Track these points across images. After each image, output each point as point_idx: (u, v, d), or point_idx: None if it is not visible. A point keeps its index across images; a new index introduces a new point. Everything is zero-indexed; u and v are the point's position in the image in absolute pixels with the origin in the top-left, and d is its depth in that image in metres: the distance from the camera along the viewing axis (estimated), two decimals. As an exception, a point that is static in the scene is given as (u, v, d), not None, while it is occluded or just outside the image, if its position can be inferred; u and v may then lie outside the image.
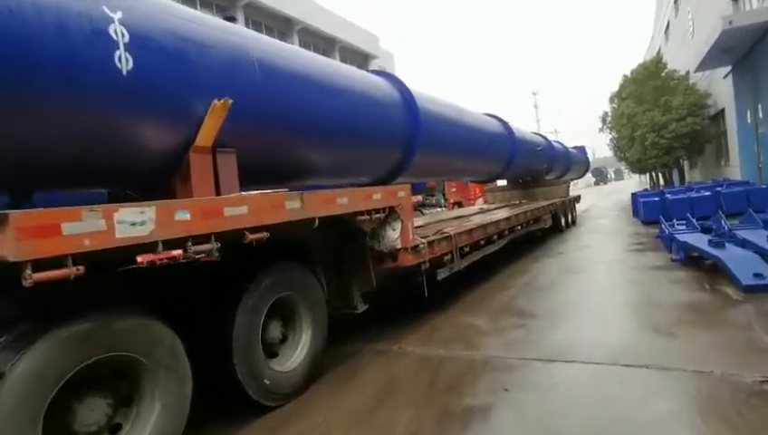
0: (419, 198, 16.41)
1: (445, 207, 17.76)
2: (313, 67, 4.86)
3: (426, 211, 16.14)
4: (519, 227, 8.58)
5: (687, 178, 23.81)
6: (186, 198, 3.51)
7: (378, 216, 4.26)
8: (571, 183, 29.58)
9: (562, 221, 13.08)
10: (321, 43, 26.82)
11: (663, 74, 21.06)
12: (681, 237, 7.00)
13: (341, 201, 3.77)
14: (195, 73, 3.47)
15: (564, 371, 3.59)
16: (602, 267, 7.38)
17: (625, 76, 22.85)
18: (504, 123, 10.99)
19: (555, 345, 4.14)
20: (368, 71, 6.78)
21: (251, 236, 2.89)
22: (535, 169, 13.65)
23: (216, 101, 3.46)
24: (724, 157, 19.25)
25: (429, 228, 6.65)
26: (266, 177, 4.74)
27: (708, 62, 16.92)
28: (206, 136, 3.59)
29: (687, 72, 20.82)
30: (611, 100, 25.34)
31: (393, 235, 4.57)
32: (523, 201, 13.86)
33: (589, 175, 65.08)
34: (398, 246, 4.62)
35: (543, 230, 11.41)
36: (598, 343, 4.09)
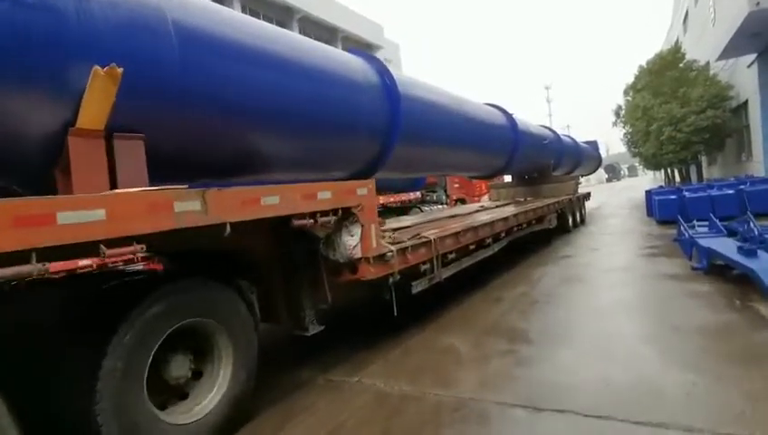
0: (418, 194, 15.61)
1: (446, 204, 16.85)
2: (262, 37, 4.02)
3: (425, 208, 15.28)
4: (517, 229, 7.68)
5: (705, 175, 22.57)
6: (67, 194, 2.73)
7: (326, 219, 3.41)
8: (583, 180, 28.44)
9: (570, 220, 12.12)
10: (323, 32, 25.93)
11: (681, 65, 19.84)
12: (704, 242, 6.06)
13: (269, 201, 2.93)
14: (71, 32, 2.65)
15: (554, 427, 2.73)
16: (612, 276, 6.46)
17: (641, 67, 21.65)
18: (507, 114, 10.07)
19: (547, 384, 3.27)
20: (345, 50, 5.91)
21: (110, 253, 2.07)
22: (542, 163, 12.72)
23: (97, 69, 2.64)
24: (746, 152, 18.04)
25: (410, 231, 5.81)
26: (203, 171, 3.93)
27: (731, 50, 15.75)
28: (91, 116, 2.78)
29: (707, 63, 19.61)
30: (626, 92, 24.15)
31: (351, 242, 3.73)
32: (529, 199, 12.96)
33: (601, 171, 63.61)
34: (358, 256, 3.78)
35: (549, 231, 10.50)
36: (602, 382, 3.22)
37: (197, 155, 3.70)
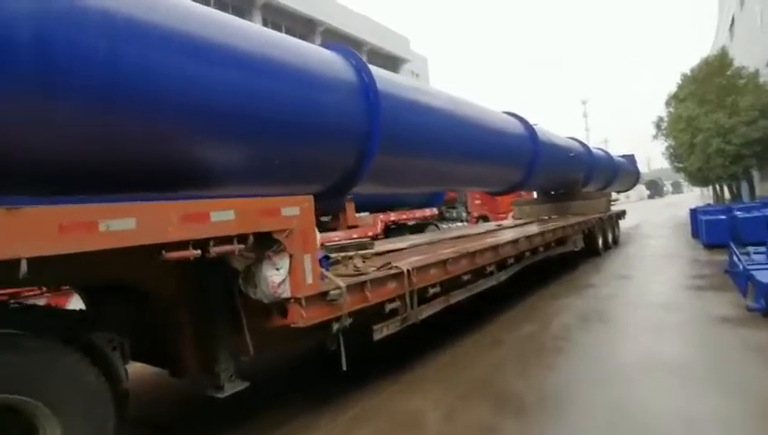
0: (435, 210, 14.57)
1: (467, 221, 15.73)
2: (184, 18, 3.21)
3: (444, 226, 14.24)
4: (531, 253, 6.57)
5: (758, 191, 20.50)
6: None
7: (222, 249, 2.50)
8: (622, 196, 26.49)
9: (600, 242, 10.80)
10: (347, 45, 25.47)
11: (729, 72, 18.14)
12: (763, 277, 4.81)
13: (118, 226, 2.05)
14: None
15: None
16: (644, 315, 5.26)
17: (684, 75, 20.00)
18: (525, 122, 9.00)
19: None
20: (320, 44, 5.09)
21: None
22: (569, 178, 11.52)
23: None
24: (805, 167, 16.15)
25: (395, 257, 4.86)
26: (113, 184, 3.12)
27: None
28: None
29: (757, 71, 17.86)
30: (668, 103, 22.45)
31: (275, 278, 2.80)
32: (554, 217, 11.75)
33: (642, 188, 60.45)
34: (286, 295, 2.86)
35: (576, 253, 9.28)
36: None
37: (95, 162, 2.90)
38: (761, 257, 6.30)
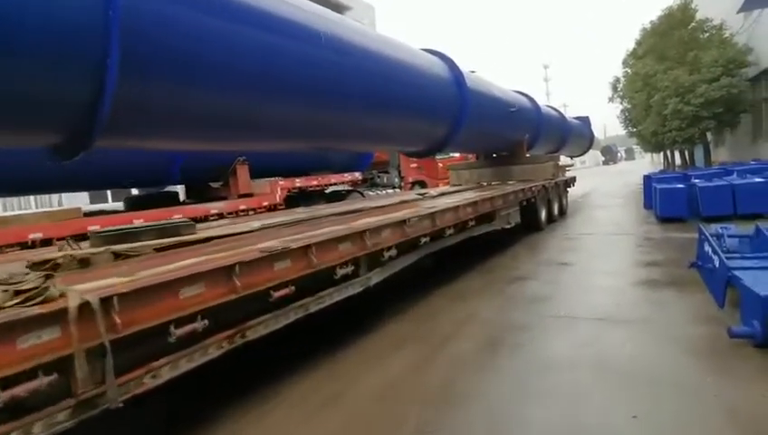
0: (357, 175, 12.50)
1: (401, 187, 13.81)
2: None
3: (372, 192, 12.24)
4: (433, 238, 4.70)
5: (712, 157, 19.52)
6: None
7: None
8: (577, 162, 25.10)
9: (542, 215, 9.12)
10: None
11: (693, 24, 16.61)
12: (754, 283, 3.09)
13: None
14: None
15: None
16: (578, 337, 3.50)
17: (644, 29, 18.38)
18: (450, 63, 7.00)
19: None
20: None
21: None
22: (511, 138, 9.72)
23: None
24: (763, 131, 15.00)
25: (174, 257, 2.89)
26: None
27: (755, 1, 12.70)
28: None
29: (722, 24, 16.42)
30: (625, 62, 20.94)
31: None
32: (495, 183, 10.03)
33: (598, 153, 60.18)
34: None
35: (507, 230, 7.55)
36: None
37: None
38: (734, 243, 4.66)
